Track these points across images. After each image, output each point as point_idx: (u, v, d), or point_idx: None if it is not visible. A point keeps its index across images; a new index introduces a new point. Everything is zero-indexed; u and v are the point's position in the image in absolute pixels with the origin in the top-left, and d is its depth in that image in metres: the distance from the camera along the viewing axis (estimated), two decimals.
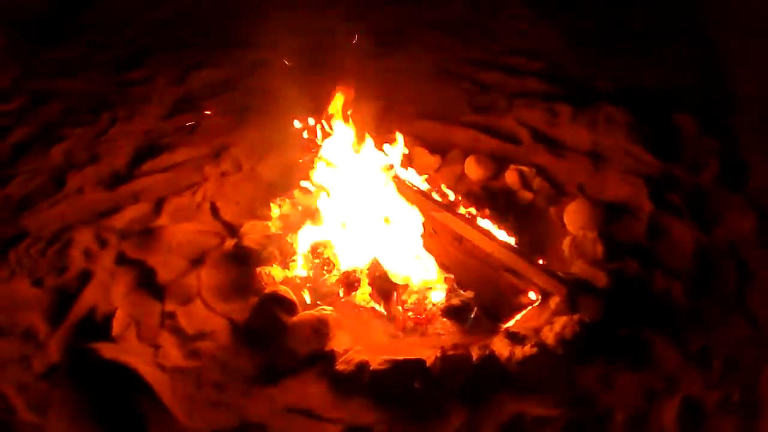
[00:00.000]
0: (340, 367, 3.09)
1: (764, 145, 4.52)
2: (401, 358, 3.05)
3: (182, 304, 3.44)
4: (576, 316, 3.18)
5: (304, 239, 3.81)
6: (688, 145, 4.53)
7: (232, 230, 3.94)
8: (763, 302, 3.41)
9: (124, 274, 3.61)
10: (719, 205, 4.04)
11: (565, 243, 3.84)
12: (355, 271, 3.60)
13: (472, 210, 3.93)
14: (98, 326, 3.38)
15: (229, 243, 3.78)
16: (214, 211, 4.12)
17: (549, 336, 3.14)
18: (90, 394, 2.99)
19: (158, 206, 4.21)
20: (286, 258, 3.71)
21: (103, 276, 3.65)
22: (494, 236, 3.66)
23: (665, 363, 3.09)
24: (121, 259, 3.75)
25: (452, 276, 3.60)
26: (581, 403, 2.92)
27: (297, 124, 4.01)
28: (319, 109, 3.92)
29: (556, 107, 4.89)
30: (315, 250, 3.74)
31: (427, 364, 3.04)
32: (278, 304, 3.33)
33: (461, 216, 3.75)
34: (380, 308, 3.52)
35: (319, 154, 3.91)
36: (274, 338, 3.20)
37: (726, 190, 4.18)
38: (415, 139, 4.66)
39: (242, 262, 3.60)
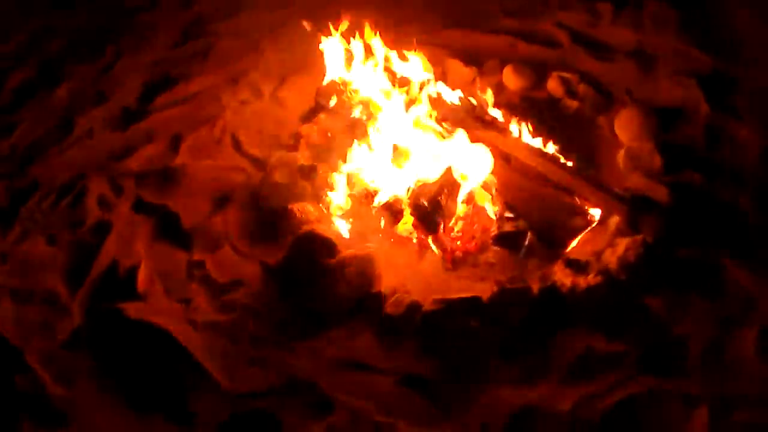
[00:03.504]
0: (389, 310, 2.72)
1: None
2: (454, 296, 2.68)
3: (210, 250, 3.07)
4: (639, 237, 2.78)
5: (338, 169, 3.38)
6: (745, 40, 3.97)
7: (259, 164, 3.50)
8: None
9: (145, 222, 3.23)
10: None
11: (620, 156, 3.40)
12: (397, 199, 3.18)
13: (516, 124, 3.45)
14: (122, 283, 3.02)
15: (256, 179, 3.37)
16: (236, 144, 3.66)
17: (612, 260, 2.75)
18: (118, 361, 2.70)
19: (175, 144, 3.75)
20: (319, 192, 3.29)
21: (121, 226, 3.26)
22: (545, 153, 3.23)
23: (738, 286, 2.70)
24: (140, 206, 3.35)
25: (502, 199, 3.18)
26: (653, 335, 2.57)
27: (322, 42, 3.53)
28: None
29: (596, 6, 4.30)
30: (351, 181, 3.32)
31: (484, 300, 2.67)
32: (316, 245, 2.93)
33: (507, 132, 3.30)
34: (426, 239, 3.11)
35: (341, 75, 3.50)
36: (313, 283, 2.82)
37: None
38: (444, 50, 4.12)
39: (272, 200, 3.20)
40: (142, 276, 2.99)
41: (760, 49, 3.89)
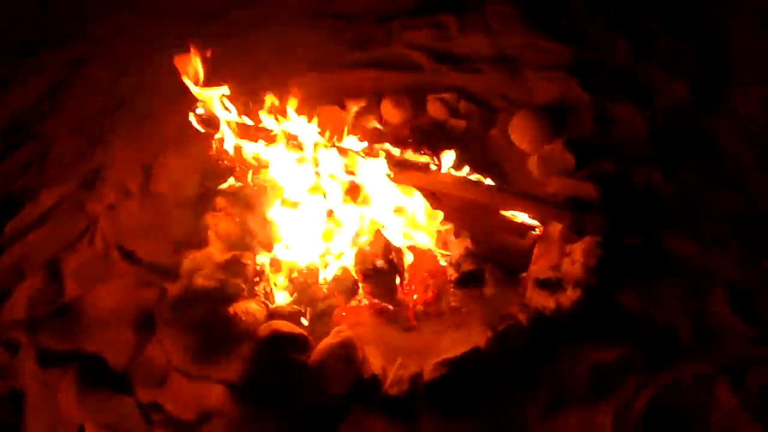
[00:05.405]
0: (392, 391, 2.46)
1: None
2: (453, 355, 2.48)
3: (158, 386, 2.58)
4: (589, 239, 2.76)
5: (265, 254, 3.02)
6: (586, 24, 4.14)
7: (166, 272, 2.99)
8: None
9: (62, 376, 2.63)
10: (646, 76, 3.78)
11: (531, 163, 3.39)
12: (345, 270, 2.90)
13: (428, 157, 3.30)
14: None
15: (174, 288, 2.87)
16: (128, 255, 3.11)
17: (576, 270, 2.70)
18: None
19: (53, 274, 3.10)
20: (253, 286, 2.89)
21: (37, 391, 2.63)
22: (469, 180, 3.13)
23: (686, 255, 2.81)
24: (48, 359, 2.71)
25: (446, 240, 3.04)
26: (645, 329, 2.57)
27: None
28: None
29: (438, 18, 4.26)
30: (285, 264, 2.98)
31: (482, 348, 2.51)
32: (286, 344, 2.59)
33: (427, 169, 3.14)
34: (382, 303, 2.91)
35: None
36: (297, 387, 2.48)
37: (643, 60, 3.90)
38: (306, 98, 3.85)
39: (207, 307, 2.77)
40: None
41: (603, 30, 4.08)
